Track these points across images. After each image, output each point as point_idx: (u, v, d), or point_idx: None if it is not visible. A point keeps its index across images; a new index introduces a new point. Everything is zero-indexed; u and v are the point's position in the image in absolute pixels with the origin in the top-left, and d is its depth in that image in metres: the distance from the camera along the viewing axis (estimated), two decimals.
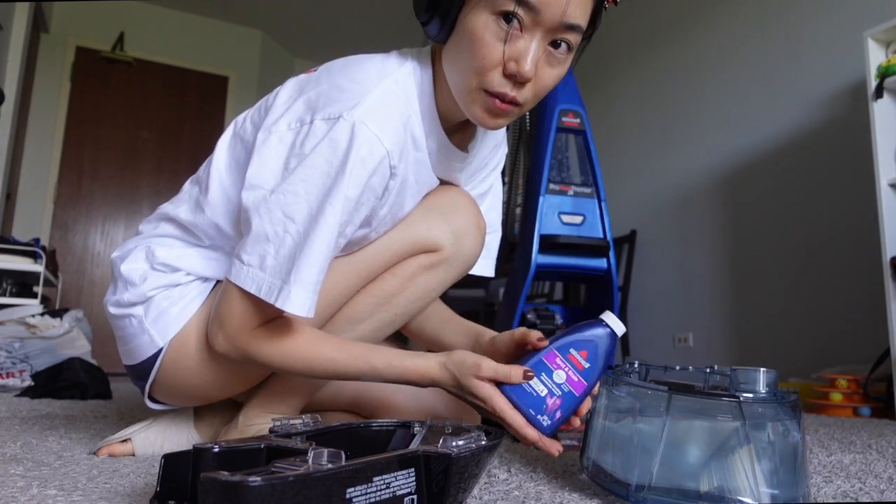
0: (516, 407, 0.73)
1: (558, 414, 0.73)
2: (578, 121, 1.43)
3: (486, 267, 1.03)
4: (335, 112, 0.74)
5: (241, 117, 0.90)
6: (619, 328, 0.74)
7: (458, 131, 0.89)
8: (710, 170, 3.26)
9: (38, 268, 2.89)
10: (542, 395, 0.73)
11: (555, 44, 0.72)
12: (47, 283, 3.11)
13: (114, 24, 4.39)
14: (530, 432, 0.72)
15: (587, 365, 0.73)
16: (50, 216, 4.12)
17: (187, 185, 0.95)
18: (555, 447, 0.73)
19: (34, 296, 2.95)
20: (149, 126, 4.45)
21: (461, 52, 0.73)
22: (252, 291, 0.74)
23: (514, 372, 0.72)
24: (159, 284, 0.88)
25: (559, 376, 0.73)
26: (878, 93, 1.96)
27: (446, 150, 0.87)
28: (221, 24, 4.75)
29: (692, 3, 3.50)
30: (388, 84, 0.77)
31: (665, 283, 3.50)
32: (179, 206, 0.92)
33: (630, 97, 3.89)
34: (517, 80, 0.72)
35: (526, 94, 0.74)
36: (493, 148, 1.01)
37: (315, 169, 0.73)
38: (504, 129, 1.02)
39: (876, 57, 2.01)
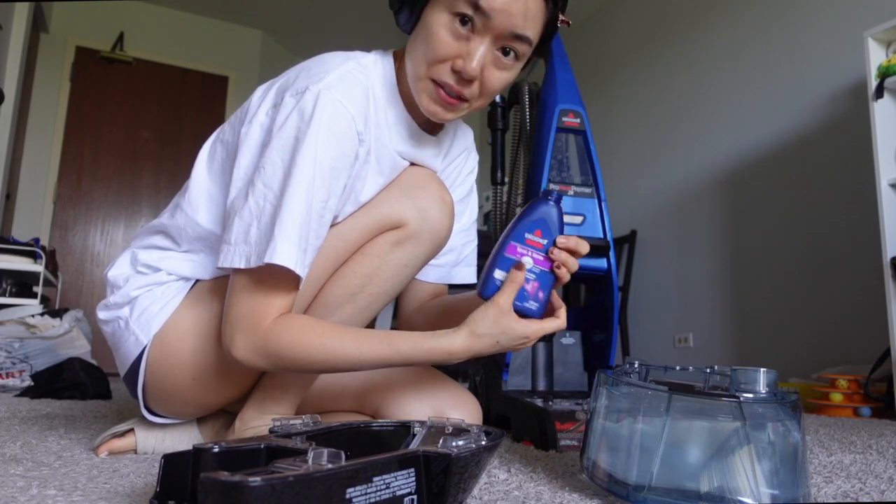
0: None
1: (541, 294, 0.79)
2: (578, 121, 1.43)
3: (467, 275, 1.07)
4: (302, 86, 0.79)
5: (223, 125, 0.94)
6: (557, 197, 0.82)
7: (427, 125, 0.92)
8: (711, 170, 3.26)
9: (38, 268, 2.89)
10: (522, 284, 0.78)
11: (504, 50, 0.79)
12: (47, 283, 3.11)
13: (114, 24, 4.39)
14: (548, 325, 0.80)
15: (545, 241, 0.78)
16: (50, 216, 4.11)
17: (174, 198, 0.98)
18: (554, 324, 0.80)
19: (34, 296, 2.95)
20: (149, 126, 4.45)
21: (418, 43, 0.81)
22: (241, 266, 0.76)
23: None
24: (142, 284, 0.91)
25: (527, 262, 0.78)
26: (879, 93, 1.96)
27: (411, 131, 0.90)
28: (221, 24, 4.75)
29: (692, 3, 3.50)
30: (352, 64, 0.84)
31: (665, 283, 3.50)
32: (163, 215, 0.96)
33: (630, 97, 3.89)
34: (462, 77, 0.79)
35: (472, 91, 0.81)
36: (465, 152, 1.04)
37: (286, 139, 0.77)
38: (472, 136, 1.07)
39: (876, 57, 2.01)
